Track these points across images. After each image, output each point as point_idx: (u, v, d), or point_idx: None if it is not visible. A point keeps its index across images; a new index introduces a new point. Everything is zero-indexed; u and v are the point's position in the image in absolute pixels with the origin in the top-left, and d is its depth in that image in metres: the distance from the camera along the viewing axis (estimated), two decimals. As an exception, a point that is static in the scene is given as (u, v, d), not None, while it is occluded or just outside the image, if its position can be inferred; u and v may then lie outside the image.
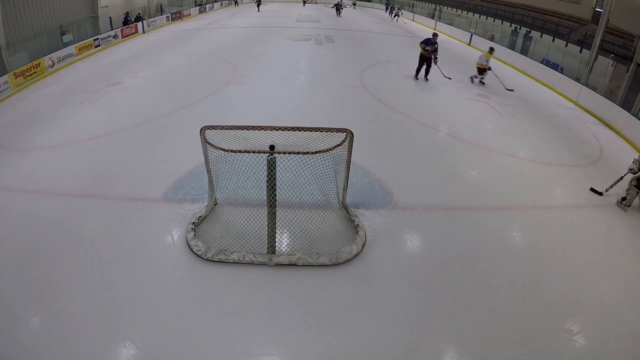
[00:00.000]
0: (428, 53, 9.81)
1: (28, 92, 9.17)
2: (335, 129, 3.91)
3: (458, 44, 17.72)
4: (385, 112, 8.06)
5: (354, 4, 32.48)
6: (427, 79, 10.14)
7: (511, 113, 8.58)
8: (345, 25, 20.54)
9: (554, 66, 12.02)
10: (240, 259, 3.84)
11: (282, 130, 3.76)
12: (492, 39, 16.81)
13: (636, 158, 5.27)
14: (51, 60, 10.88)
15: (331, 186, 4.54)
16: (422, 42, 9.80)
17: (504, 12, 19.00)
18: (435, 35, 9.89)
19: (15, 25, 11.32)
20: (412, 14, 26.57)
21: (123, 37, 15.35)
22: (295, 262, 3.85)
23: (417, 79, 10.22)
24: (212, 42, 14.72)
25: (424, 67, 10.12)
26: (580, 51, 12.07)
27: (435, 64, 10.06)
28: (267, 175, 3.69)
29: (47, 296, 3.42)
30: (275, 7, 28.88)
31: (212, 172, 4.27)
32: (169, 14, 20.49)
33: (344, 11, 26.73)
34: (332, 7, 26.06)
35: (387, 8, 28.07)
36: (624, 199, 5.24)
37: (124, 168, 5.48)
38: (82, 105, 8.01)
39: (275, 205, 3.76)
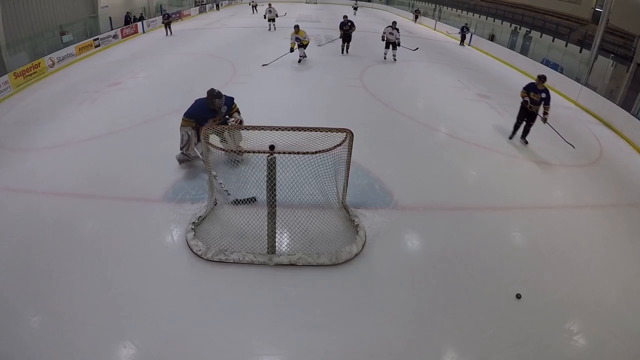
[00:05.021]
0: (529, 105, 6.56)
1: (28, 92, 9.17)
2: (335, 129, 3.91)
3: (458, 44, 17.71)
4: (385, 112, 8.06)
5: (355, 9, 27.82)
6: (525, 142, 6.84)
7: (511, 113, 8.54)
8: (345, 25, 20.53)
9: (554, 66, 12.02)
10: (240, 259, 3.84)
11: (282, 130, 3.77)
12: (492, 38, 16.82)
13: None
14: (51, 60, 10.89)
15: (331, 186, 4.54)
16: (524, 89, 6.67)
17: (504, 12, 19.00)
18: (541, 78, 6.49)
19: (15, 25, 11.32)
20: (413, 14, 26.54)
21: (123, 37, 15.36)
22: (295, 262, 3.85)
23: (511, 137, 7.02)
24: (212, 42, 14.72)
25: (524, 123, 6.81)
26: (580, 51, 12.07)
27: (545, 121, 6.65)
28: (267, 175, 3.68)
29: (47, 296, 3.42)
30: (278, 7, 28.83)
31: (212, 172, 4.27)
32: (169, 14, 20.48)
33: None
34: (340, 37, 12.82)
35: (461, 31, 17.22)
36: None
37: (124, 168, 5.48)
38: (82, 105, 8.01)
39: (275, 205, 3.75)
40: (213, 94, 5.09)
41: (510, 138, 6.97)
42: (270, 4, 17.99)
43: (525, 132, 6.80)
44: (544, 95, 6.40)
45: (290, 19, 21.47)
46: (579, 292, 3.79)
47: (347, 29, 12.50)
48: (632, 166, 6.84)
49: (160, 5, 21.60)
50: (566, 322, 3.44)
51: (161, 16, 17.52)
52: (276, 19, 17.70)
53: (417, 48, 13.45)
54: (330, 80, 9.98)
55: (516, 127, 6.92)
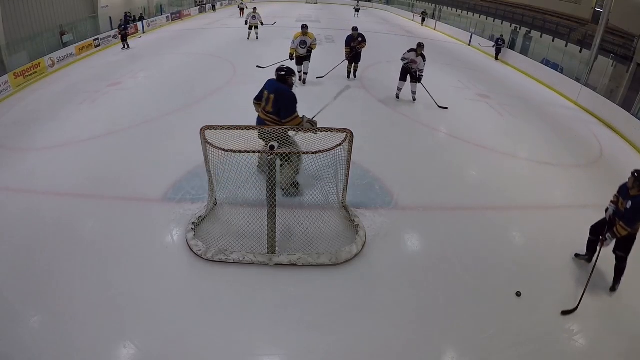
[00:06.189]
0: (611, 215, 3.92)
1: (28, 92, 9.17)
2: (335, 129, 3.91)
3: (458, 44, 17.73)
4: (385, 112, 8.05)
5: (357, 10, 26.83)
6: (589, 258, 4.16)
7: (511, 113, 8.58)
8: (346, 26, 20.55)
9: (554, 66, 12.03)
10: (240, 259, 3.84)
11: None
12: (493, 39, 16.79)
13: None
14: (51, 60, 10.89)
15: (331, 186, 4.54)
16: (619, 192, 4.04)
17: (504, 12, 19.02)
18: (637, 178, 3.80)
19: (15, 25, 11.33)
20: (412, 14, 26.58)
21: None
22: (295, 262, 3.85)
23: (577, 255, 4.28)
24: (212, 42, 14.72)
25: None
26: (580, 51, 12.09)
27: (604, 243, 3.86)
28: (267, 175, 3.68)
29: (47, 296, 3.41)
30: (278, 7, 28.86)
31: (212, 172, 4.27)
32: (169, 14, 20.51)
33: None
34: (346, 59, 9.85)
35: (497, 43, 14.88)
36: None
37: (124, 168, 5.48)
38: (82, 105, 8.01)
39: (275, 205, 3.75)
40: (290, 70, 4.53)
41: (576, 256, 4.27)
42: (255, 9, 15.11)
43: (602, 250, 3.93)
44: (629, 205, 3.73)
45: (290, 19, 21.48)
46: (578, 292, 3.79)
47: (356, 45, 9.48)
48: (632, 166, 6.73)
49: (161, 5, 21.62)
50: (566, 322, 3.43)
51: (118, 27, 13.96)
52: (260, 27, 14.91)
53: (447, 108, 8.42)
54: (330, 81, 9.95)
55: (591, 249, 4.13)
